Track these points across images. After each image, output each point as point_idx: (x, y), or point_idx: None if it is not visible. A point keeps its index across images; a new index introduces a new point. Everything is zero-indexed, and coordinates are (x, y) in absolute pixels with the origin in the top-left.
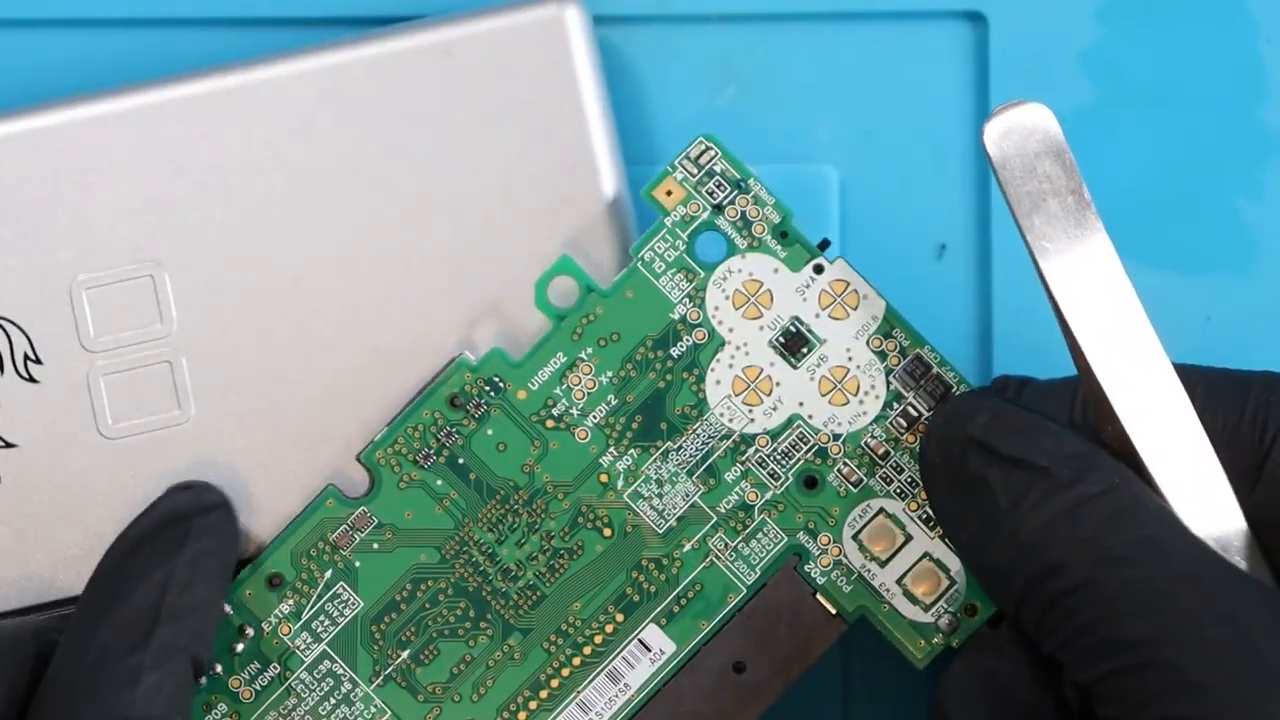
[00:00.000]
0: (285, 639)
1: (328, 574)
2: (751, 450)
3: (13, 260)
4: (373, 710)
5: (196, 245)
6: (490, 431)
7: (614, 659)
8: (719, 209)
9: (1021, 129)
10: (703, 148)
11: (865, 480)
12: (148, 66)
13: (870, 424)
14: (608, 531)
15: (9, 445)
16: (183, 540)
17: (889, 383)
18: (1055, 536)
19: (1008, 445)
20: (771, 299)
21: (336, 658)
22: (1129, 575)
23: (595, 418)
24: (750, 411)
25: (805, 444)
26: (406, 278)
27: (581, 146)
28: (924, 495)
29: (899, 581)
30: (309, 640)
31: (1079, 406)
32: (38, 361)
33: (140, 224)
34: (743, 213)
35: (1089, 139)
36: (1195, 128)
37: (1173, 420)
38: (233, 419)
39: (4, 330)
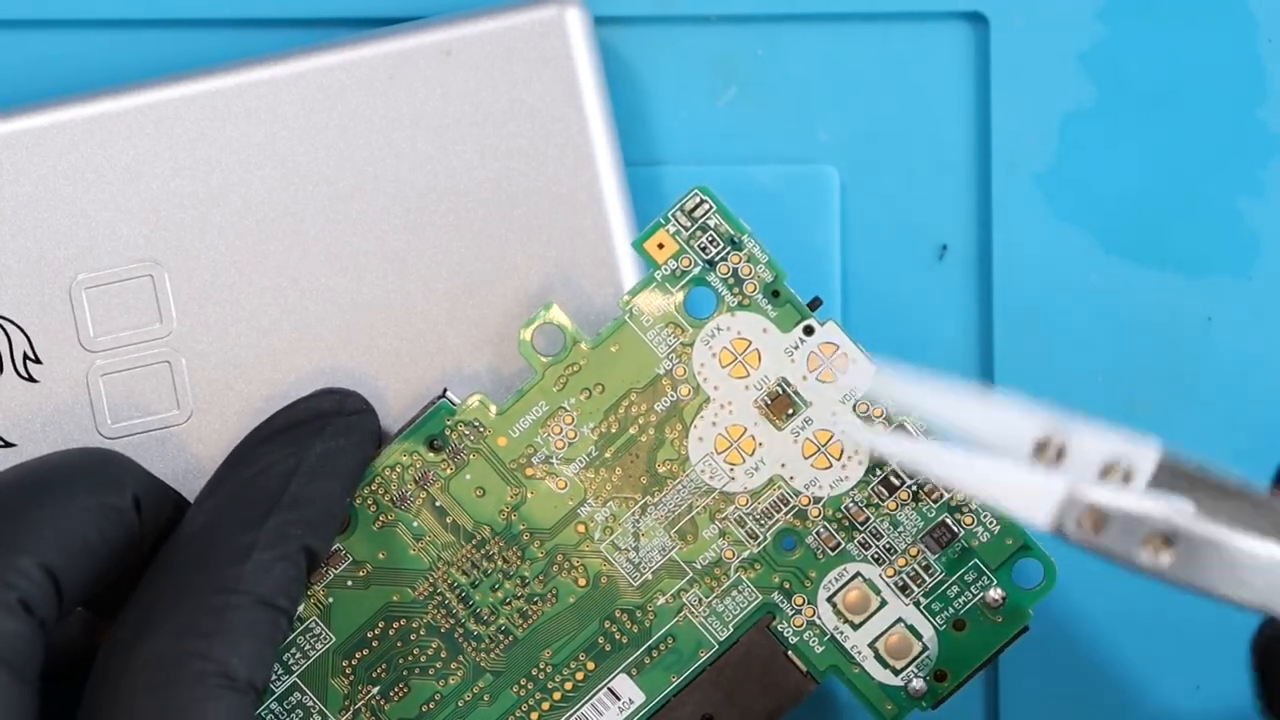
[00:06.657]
0: None
1: (300, 608)
2: (731, 508)
3: (13, 260)
4: None
5: (196, 245)
6: (469, 476)
7: (583, 705)
8: (711, 264)
9: None
10: (697, 200)
11: (843, 544)
12: (148, 66)
13: (851, 489)
14: (582, 581)
15: (8, 445)
16: (317, 435)
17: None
18: None
19: None
20: (759, 359)
21: (307, 690)
22: None
23: (575, 468)
24: (731, 470)
25: (785, 505)
26: (406, 277)
27: (581, 147)
28: (900, 562)
29: (871, 645)
30: (279, 671)
31: None
32: (37, 361)
33: (140, 224)
34: (735, 269)
35: (1089, 139)
36: (1195, 128)
37: None
38: (231, 419)
39: (4, 330)
